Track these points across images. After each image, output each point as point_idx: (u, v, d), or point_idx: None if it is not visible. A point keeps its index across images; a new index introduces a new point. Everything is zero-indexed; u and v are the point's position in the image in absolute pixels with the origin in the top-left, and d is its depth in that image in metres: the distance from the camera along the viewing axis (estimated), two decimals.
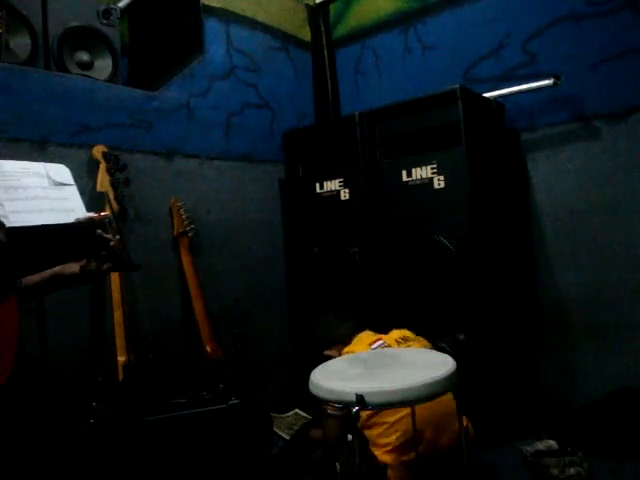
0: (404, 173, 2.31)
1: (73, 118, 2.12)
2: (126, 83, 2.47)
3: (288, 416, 2.56)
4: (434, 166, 2.22)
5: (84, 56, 2.26)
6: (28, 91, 1.99)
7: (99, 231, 1.22)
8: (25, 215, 1.22)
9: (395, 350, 1.73)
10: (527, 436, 2.12)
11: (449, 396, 1.58)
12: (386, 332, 1.94)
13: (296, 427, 2.43)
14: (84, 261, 1.26)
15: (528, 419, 2.27)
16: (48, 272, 1.26)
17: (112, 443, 1.29)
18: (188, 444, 1.81)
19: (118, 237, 1.27)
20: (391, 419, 1.67)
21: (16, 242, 1.03)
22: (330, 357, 1.88)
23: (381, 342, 1.84)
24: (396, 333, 1.90)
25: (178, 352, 2.35)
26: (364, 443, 1.73)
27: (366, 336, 1.93)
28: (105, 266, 1.24)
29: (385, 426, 1.68)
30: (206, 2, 2.64)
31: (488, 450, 2.03)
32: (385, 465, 1.67)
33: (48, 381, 1.63)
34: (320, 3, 3.25)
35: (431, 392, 1.31)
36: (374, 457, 1.70)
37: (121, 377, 1.96)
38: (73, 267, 1.28)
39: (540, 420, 2.26)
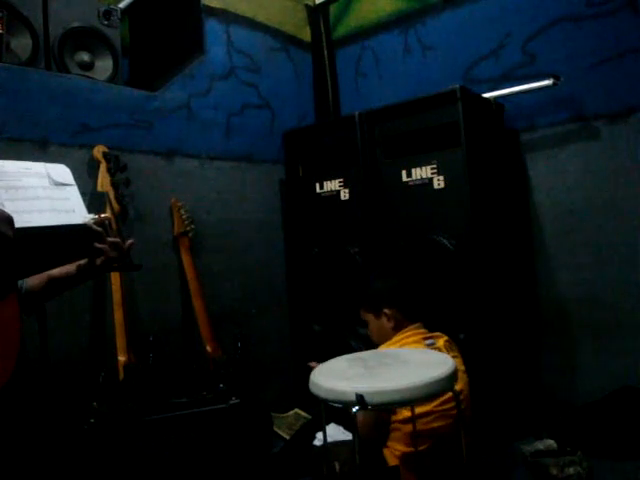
0: (404, 173, 2.32)
1: (74, 118, 2.13)
2: (127, 83, 2.47)
3: (288, 416, 2.57)
4: (434, 166, 2.22)
5: (85, 56, 2.26)
6: (29, 91, 2.00)
7: (100, 229, 1.24)
8: (26, 215, 1.22)
9: (395, 350, 1.73)
10: (527, 436, 2.12)
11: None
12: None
13: (296, 427, 2.44)
14: (82, 261, 1.27)
15: (527, 419, 2.27)
16: (45, 276, 1.27)
17: (113, 443, 1.30)
18: (188, 443, 1.81)
19: (117, 239, 1.29)
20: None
21: (19, 241, 1.04)
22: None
23: (432, 341, 1.80)
24: (442, 336, 1.86)
25: (178, 352, 2.35)
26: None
27: (416, 329, 1.88)
28: (99, 261, 1.26)
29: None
30: (206, 3, 2.64)
31: (488, 450, 2.03)
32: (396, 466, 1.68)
33: (49, 381, 1.64)
34: (320, 3, 3.25)
35: (431, 391, 1.31)
36: (383, 457, 1.71)
37: (122, 377, 1.96)
38: (69, 268, 1.29)
39: (539, 420, 2.26)
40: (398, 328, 1.88)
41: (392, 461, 1.70)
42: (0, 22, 1.95)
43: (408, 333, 1.85)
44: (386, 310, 1.89)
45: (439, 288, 2.20)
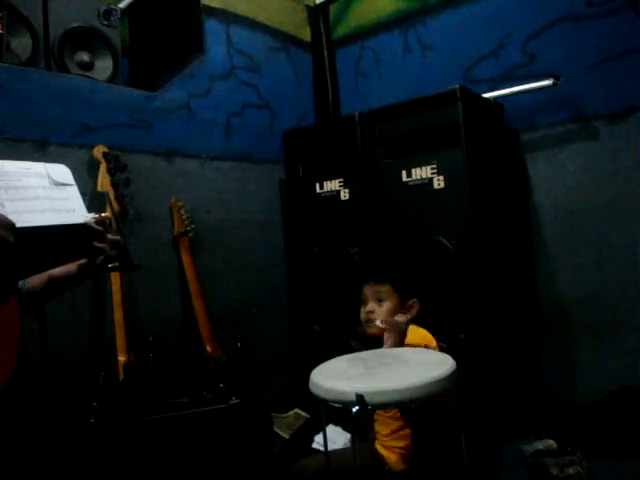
0: (404, 173, 2.32)
1: (74, 118, 2.13)
2: (127, 83, 2.47)
3: (288, 416, 2.57)
4: (434, 166, 2.22)
5: (85, 56, 2.26)
6: (29, 91, 2.00)
7: (101, 228, 1.24)
8: (26, 215, 1.22)
9: (395, 350, 1.73)
10: (527, 436, 2.12)
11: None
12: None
13: (296, 427, 2.44)
14: (82, 260, 1.27)
15: (528, 419, 2.27)
16: (45, 276, 1.27)
17: (113, 443, 1.30)
18: (188, 444, 1.81)
19: (118, 237, 1.29)
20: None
21: (19, 242, 1.04)
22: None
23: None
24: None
25: (178, 352, 2.35)
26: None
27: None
28: (99, 260, 1.26)
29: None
30: (206, 2, 2.64)
31: (488, 450, 2.03)
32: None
33: (49, 381, 1.64)
34: (320, 3, 3.25)
35: (431, 391, 1.31)
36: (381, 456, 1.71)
37: (121, 377, 1.96)
38: (70, 267, 1.29)
39: (540, 420, 2.26)
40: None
41: (391, 458, 1.69)
42: (0, 22, 1.95)
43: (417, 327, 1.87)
44: (415, 301, 1.87)
45: (439, 288, 2.20)
